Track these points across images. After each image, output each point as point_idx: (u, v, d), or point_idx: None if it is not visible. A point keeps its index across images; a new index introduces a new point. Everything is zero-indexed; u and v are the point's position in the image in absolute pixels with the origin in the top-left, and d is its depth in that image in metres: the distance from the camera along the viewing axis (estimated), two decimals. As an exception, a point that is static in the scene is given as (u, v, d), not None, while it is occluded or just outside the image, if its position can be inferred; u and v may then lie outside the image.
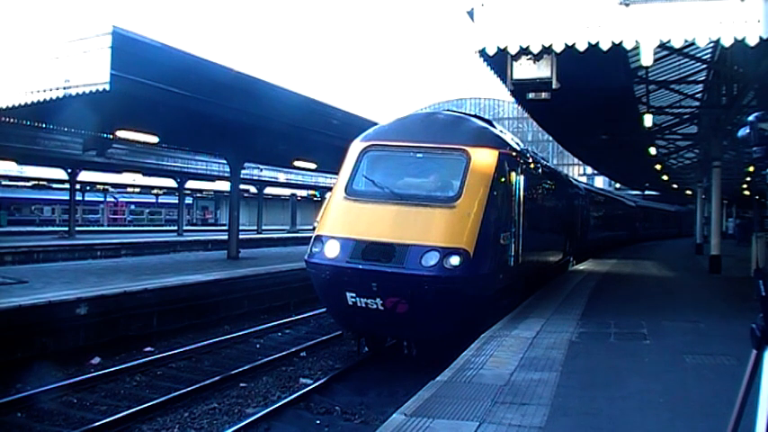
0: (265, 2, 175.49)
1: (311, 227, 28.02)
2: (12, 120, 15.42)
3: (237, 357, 10.48)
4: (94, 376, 8.82)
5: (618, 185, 51.24)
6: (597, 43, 6.91)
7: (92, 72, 9.22)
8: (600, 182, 49.30)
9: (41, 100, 9.77)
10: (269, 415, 7.39)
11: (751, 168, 26.36)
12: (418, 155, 9.50)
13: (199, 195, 54.09)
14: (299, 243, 28.85)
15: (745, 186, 35.85)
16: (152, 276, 13.31)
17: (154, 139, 17.76)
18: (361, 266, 8.52)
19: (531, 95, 8.39)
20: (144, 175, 34.54)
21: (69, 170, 28.23)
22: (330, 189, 11.96)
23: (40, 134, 20.21)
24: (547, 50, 7.11)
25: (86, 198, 45.60)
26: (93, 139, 19.37)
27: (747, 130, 1.61)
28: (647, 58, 7.70)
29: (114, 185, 44.20)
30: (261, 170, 33.65)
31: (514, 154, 10.35)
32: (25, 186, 41.65)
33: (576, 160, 42.80)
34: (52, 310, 9.61)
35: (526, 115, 23.76)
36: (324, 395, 8.37)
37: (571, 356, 6.90)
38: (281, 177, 37.05)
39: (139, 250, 25.51)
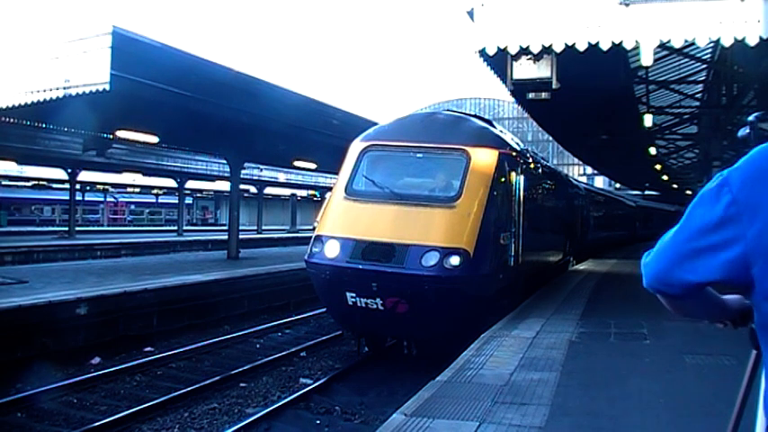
0: (265, 2, 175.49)
1: (311, 227, 27.99)
2: (12, 120, 15.42)
3: (237, 357, 10.47)
4: (94, 376, 8.81)
5: (618, 185, 51.19)
6: (597, 43, 6.90)
7: (92, 72, 9.21)
8: (600, 182, 49.18)
9: (41, 100, 9.76)
10: (269, 415, 7.38)
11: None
12: (418, 155, 9.50)
13: (199, 195, 54.06)
14: (299, 243, 28.81)
15: (744, 186, 35.77)
16: (152, 276, 13.30)
17: (154, 139, 17.77)
18: (361, 266, 8.52)
19: (531, 95, 8.40)
20: (144, 175, 34.51)
21: (69, 170, 28.20)
22: (330, 189, 11.96)
23: (39, 134, 20.18)
24: (547, 50, 7.11)
25: (86, 198, 45.56)
26: (93, 139, 19.35)
27: (747, 130, 1.60)
28: (647, 58, 7.69)
29: (114, 185, 44.20)
30: (261, 170, 33.62)
31: (514, 154, 10.35)
32: (25, 186, 41.64)
33: (576, 160, 42.73)
34: (52, 310, 9.61)
35: (526, 115, 23.72)
36: (324, 395, 8.37)
37: (571, 356, 6.90)
38: (281, 177, 37.01)
39: (139, 250, 25.46)
